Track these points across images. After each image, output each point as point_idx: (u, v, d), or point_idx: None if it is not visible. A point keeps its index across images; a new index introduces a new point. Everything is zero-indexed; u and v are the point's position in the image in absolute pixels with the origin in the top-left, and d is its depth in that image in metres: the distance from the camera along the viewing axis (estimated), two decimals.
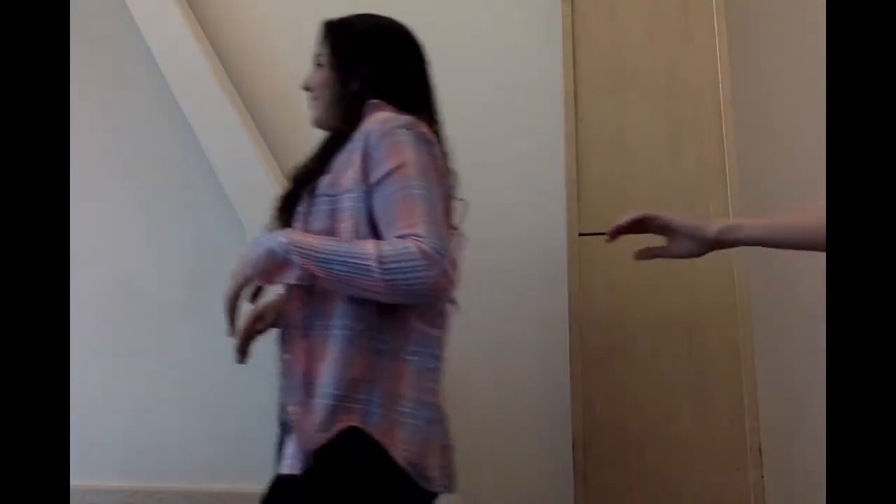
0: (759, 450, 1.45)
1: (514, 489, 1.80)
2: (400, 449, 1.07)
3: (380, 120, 1.17)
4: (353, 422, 1.06)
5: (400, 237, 1.07)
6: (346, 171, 1.16)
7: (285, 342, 1.17)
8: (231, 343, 1.45)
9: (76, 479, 1.85)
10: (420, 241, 1.06)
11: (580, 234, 1.59)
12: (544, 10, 1.87)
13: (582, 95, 1.66)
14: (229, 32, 2.05)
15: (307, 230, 1.15)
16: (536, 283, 1.84)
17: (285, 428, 1.15)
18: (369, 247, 1.06)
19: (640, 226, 1.13)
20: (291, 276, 1.09)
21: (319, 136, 2.02)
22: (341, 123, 1.26)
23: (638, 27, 1.66)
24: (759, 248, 1.10)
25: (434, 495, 1.11)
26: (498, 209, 1.90)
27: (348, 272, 1.06)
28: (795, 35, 1.86)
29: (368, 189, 1.13)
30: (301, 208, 1.19)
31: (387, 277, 1.04)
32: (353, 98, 1.27)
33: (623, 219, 1.12)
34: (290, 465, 1.08)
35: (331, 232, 1.14)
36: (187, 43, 1.92)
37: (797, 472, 1.71)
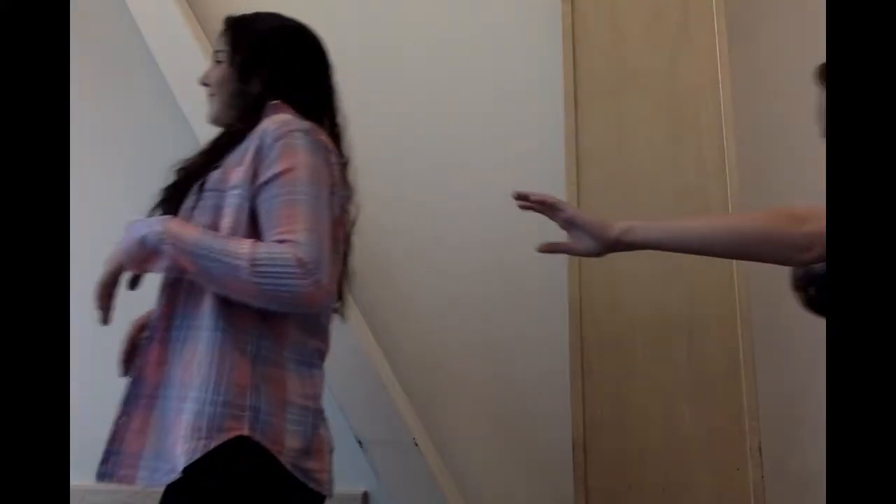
0: (759, 450, 1.45)
1: (514, 489, 1.80)
2: (289, 455, 1.06)
3: (278, 121, 1.15)
4: (242, 430, 1.02)
5: (279, 241, 1.04)
6: (235, 167, 1.14)
7: (143, 344, 1.12)
8: None
9: (76, 479, 1.84)
10: (297, 249, 1.03)
11: None
12: (544, 10, 1.87)
13: (582, 95, 1.66)
14: None
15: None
16: (536, 283, 1.84)
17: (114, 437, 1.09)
18: (244, 246, 1.03)
19: (551, 211, 1.13)
20: (161, 267, 1.06)
21: None
22: (238, 122, 1.23)
23: (638, 27, 1.66)
24: None
25: (323, 498, 1.13)
26: (498, 209, 1.90)
27: (218, 270, 1.03)
28: (795, 35, 1.86)
29: (256, 188, 1.10)
30: (188, 203, 1.16)
31: (255, 280, 1.02)
32: (253, 98, 1.24)
33: (533, 195, 1.11)
34: (165, 475, 1.02)
35: (213, 227, 1.10)
36: (187, 43, 1.92)
37: (797, 472, 1.71)
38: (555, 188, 1.75)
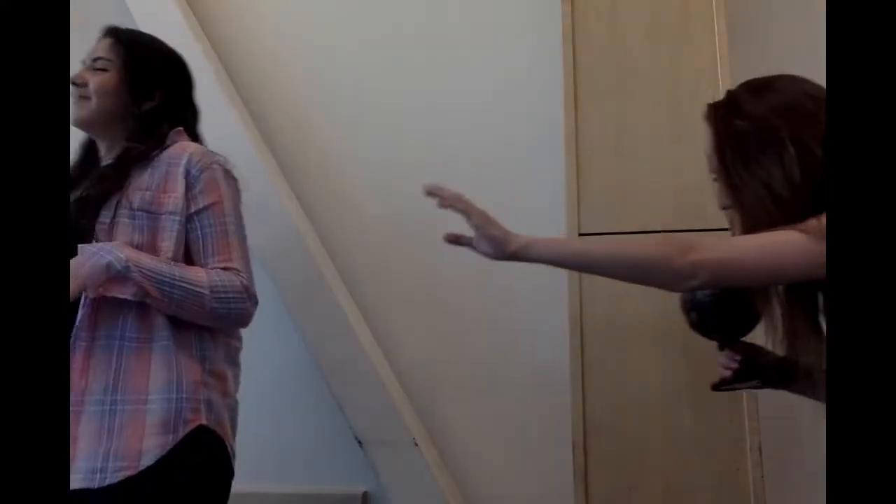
0: (759, 450, 1.45)
1: (514, 489, 1.80)
2: (229, 438, 1.26)
3: (199, 152, 1.30)
4: (200, 420, 1.19)
5: (224, 269, 1.23)
6: (167, 192, 1.25)
7: (94, 353, 1.18)
8: None
9: None
10: (241, 276, 1.23)
11: (580, 234, 1.59)
12: (544, 11, 1.87)
13: (582, 95, 1.66)
14: (229, 32, 2.05)
15: (116, 241, 1.21)
16: (537, 283, 1.83)
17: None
18: (202, 275, 1.20)
19: (462, 213, 1.17)
20: (126, 292, 1.15)
21: (320, 137, 2.03)
22: (133, 139, 1.31)
23: (638, 27, 1.66)
24: None
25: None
26: (498, 209, 1.88)
27: (182, 296, 1.18)
28: (795, 35, 1.86)
29: (188, 216, 1.25)
30: (105, 217, 1.23)
31: (214, 305, 1.20)
32: (149, 118, 1.33)
33: (447, 192, 1.17)
34: (136, 465, 1.13)
35: (151, 248, 1.22)
36: (187, 43, 1.92)
37: (797, 472, 1.71)
38: (555, 188, 1.76)
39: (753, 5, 1.88)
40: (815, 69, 1.79)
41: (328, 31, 2.05)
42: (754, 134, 1.04)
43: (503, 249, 1.13)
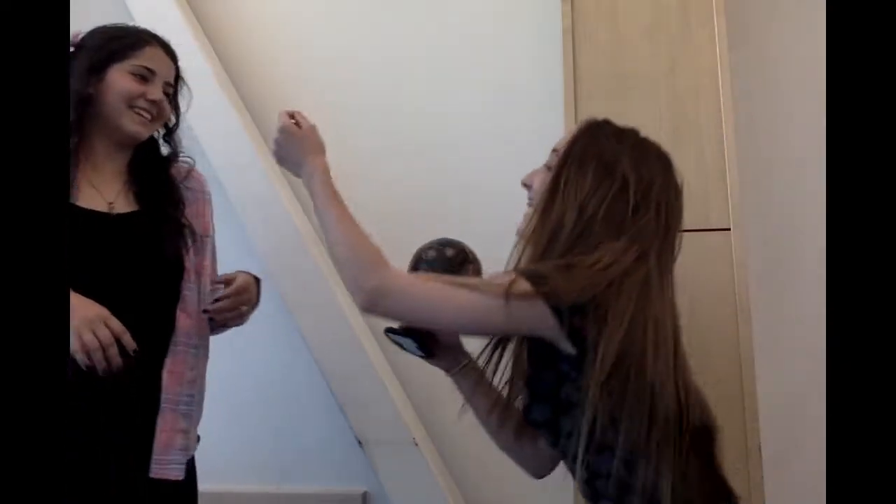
0: (759, 450, 1.45)
1: (514, 489, 1.80)
2: None
3: (204, 179, 1.42)
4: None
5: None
6: (203, 216, 1.38)
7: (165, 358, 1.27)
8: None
9: None
10: None
11: None
12: (544, 10, 1.87)
13: (582, 95, 1.66)
14: (229, 32, 2.05)
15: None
16: None
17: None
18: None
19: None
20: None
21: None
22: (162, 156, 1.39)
23: (638, 27, 1.66)
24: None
25: None
26: (497, 209, 1.90)
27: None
28: (796, 35, 1.86)
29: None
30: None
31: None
32: (170, 142, 1.40)
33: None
34: (179, 470, 1.24)
35: (202, 269, 1.35)
36: (187, 43, 1.92)
37: (797, 472, 1.71)
38: None
39: (753, 5, 1.88)
40: (815, 69, 1.80)
41: (328, 31, 2.05)
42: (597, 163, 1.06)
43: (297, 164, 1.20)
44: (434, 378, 1.92)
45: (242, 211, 1.89)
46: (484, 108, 1.93)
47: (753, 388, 1.46)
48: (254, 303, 1.32)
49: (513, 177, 1.93)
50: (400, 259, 1.92)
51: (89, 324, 1.09)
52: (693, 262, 1.54)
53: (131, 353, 1.13)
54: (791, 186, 1.81)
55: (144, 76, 1.29)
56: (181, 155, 1.39)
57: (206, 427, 1.92)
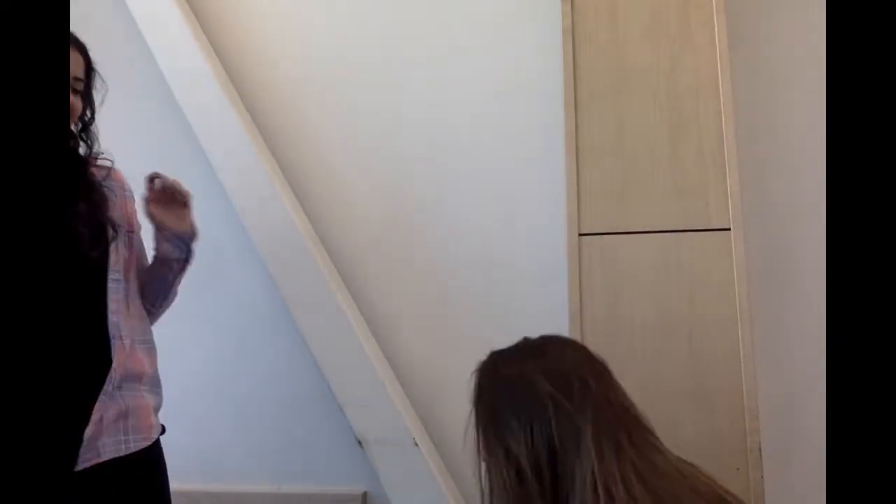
0: (759, 450, 1.45)
1: None
2: None
3: (124, 178, 1.44)
4: None
5: None
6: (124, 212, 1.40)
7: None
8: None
9: None
10: None
11: (580, 234, 1.59)
12: (544, 11, 1.87)
13: (582, 95, 1.66)
14: (229, 32, 2.05)
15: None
16: (536, 283, 1.84)
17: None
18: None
19: None
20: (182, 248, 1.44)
21: (320, 137, 2.02)
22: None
23: (638, 27, 1.66)
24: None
25: None
26: (497, 209, 1.90)
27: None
28: (796, 35, 1.86)
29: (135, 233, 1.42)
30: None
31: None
32: (86, 138, 1.37)
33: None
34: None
35: (129, 263, 1.39)
36: (187, 43, 1.92)
37: (797, 472, 1.71)
38: (555, 188, 1.76)
39: (753, 5, 1.88)
40: (815, 69, 1.80)
41: (328, 31, 2.05)
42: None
43: None
44: (434, 378, 1.93)
45: (242, 211, 1.90)
46: (484, 108, 1.93)
47: (753, 388, 1.47)
48: (185, 217, 1.41)
49: (513, 176, 1.95)
50: (400, 258, 1.93)
51: None
52: (693, 262, 1.54)
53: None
54: (791, 186, 1.81)
55: None
56: (100, 155, 1.40)
57: (207, 427, 1.93)
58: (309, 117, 2.01)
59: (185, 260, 1.45)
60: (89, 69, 1.36)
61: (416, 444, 1.74)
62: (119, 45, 2.05)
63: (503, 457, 0.93)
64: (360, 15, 2.02)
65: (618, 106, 1.64)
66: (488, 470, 0.96)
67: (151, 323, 1.46)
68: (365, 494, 1.83)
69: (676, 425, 1.50)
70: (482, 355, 1.85)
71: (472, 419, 1.01)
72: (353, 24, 2.03)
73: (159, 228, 1.40)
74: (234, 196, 1.92)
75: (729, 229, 1.53)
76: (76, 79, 1.30)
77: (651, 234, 1.57)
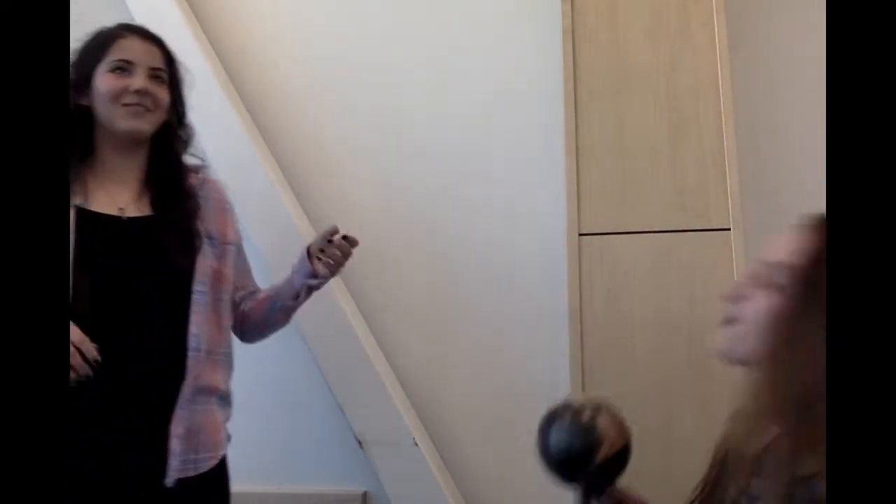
0: None
1: (514, 489, 1.80)
2: None
3: (223, 188, 1.45)
4: None
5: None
6: (226, 224, 1.42)
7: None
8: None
9: None
10: None
11: (580, 234, 1.59)
12: (544, 11, 1.87)
13: (582, 95, 1.66)
14: (229, 32, 2.05)
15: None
16: (536, 283, 1.83)
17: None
18: None
19: None
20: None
21: (320, 137, 2.02)
22: (175, 157, 1.37)
23: (638, 27, 1.66)
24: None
25: None
26: (498, 209, 1.90)
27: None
28: (796, 34, 1.86)
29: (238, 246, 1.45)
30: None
31: None
32: (183, 134, 1.38)
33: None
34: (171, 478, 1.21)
35: (220, 274, 1.36)
36: (187, 43, 1.92)
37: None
38: (555, 188, 1.76)
39: (753, 5, 1.88)
40: (815, 69, 1.79)
41: (328, 31, 2.05)
42: None
43: None
44: (434, 378, 1.93)
45: (242, 211, 1.89)
46: (484, 108, 1.93)
47: None
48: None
49: (513, 176, 1.95)
50: (400, 258, 1.93)
51: None
52: (693, 262, 1.54)
53: (93, 362, 1.11)
54: (791, 186, 1.80)
55: (123, 68, 1.26)
56: (200, 166, 1.40)
57: None
58: (309, 117, 2.01)
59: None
60: (169, 60, 1.34)
61: (416, 444, 1.74)
62: None
63: None
64: (360, 15, 2.02)
65: (618, 106, 1.64)
66: None
67: (254, 341, 1.49)
68: (365, 494, 1.83)
69: (676, 425, 1.50)
70: (482, 355, 1.86)
71: None
72: (353, 24, 2.03)
73: (312, 288, 1.41)
74: (233, 196, 1.91)
75: (729, 229, 1.53)
76: (154, 69, 1.29)
77: (651, 234, 1.57)
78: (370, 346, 1.83)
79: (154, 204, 1.29)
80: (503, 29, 1.96)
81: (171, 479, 1.19)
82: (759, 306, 0.86)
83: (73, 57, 1.26)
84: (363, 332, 1.84)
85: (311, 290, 1.40)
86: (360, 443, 1.78)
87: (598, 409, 1.07)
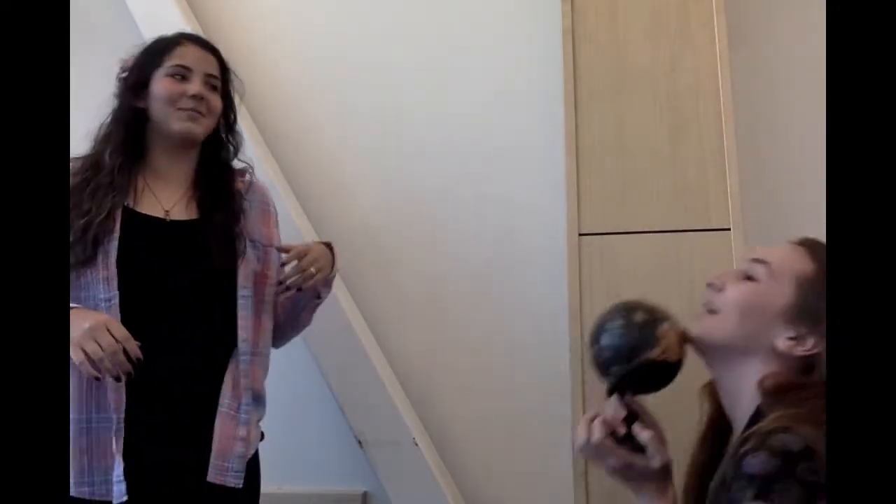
0: None
1: (514, 489, 1.80)
2: None
3: (267, 191, 1.45)
4: None
5: None
6: (268, 227, 1.43)
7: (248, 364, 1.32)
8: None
9: None
10: None
11: (580, 234, 1.59)
12: (544, 10, 1.87)
13: (582, 95, 1.66)
14: (229, 32, 2.05)
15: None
16: (536, 283, 1.83)
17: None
18: None
19: None
20: (325, 293, 1.45)
21: (320, 137, 2.02)
22: (223, 164, 1.40)
23: (638, 27, 1.66)
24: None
25: None
26: (498, 209, 1.90)
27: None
28: (796, 34, 1.86)
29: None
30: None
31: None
32: (232, 140, 1.42)
33: None
34: (236, 477, 1.24)
35: (263, 278, 1.38)
36: None
37: None
38: (555, 188, 1.76)
39: (753, 5, 1.88)
40: (815, 69, 1.79)
41: (328, 31, 2.05)
42: None
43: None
44: (434, 378, 1.93)
45: None
46: (484, 108, 1.93)
47: None
48: (324, 264, 1.33)
49: (513, 176, 1.95)
50: (400, 258, 1.93)
51: (91, 332, 1.09)
52: (693, 262, 1.54)
53: (135, 360, 1.13)
54: (791, 186, 1.80)
55: (181, 74, 1.31)
56: (246, 171, 1.42)
57: None
58: (309, 117, 2.01)
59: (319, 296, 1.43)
60: (224, 68, 1.39)
61: (416, 444, 1.74)
62: (119, 44, 2.04)
63: None
64: (360, 15, 2.03)
65: (618, 106, 1.64)
66: None
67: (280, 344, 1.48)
68: (365, 494, 1.83)
69: (676, 425, 1.50)
70: (482, 355, 1.86)
71: None
72: (353, 24, 2.03)
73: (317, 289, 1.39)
74: None
75: (729, 229, 1.53)
76: (209, 76, 1.34)
77: (651, 234, 1.57)
78: (370, 346, 1.83)
79: (200, 207, 1.32)
80: (503, 29, 1.96)
81: (236, 480, 1.24)
82: (733, 294, 1.00)
83: (132, 61, 1.35)
84: (363, 332, 1.84)
85: (328, 283, 1.41)
86: (360, 443, 1.78)
87: (669, 316, 1.06)
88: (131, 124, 1.31)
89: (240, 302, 1.29)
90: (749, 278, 1.01)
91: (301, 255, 1.28)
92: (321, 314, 1.83)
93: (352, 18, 2.03)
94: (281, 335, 1.47)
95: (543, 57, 1.87)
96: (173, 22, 1.94)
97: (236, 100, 1.42)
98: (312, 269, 1.28)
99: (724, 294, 1.01)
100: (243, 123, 1.92)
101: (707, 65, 1.61)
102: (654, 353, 1.01)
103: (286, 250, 1.31)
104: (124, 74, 1.35)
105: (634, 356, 1.01)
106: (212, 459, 1.22)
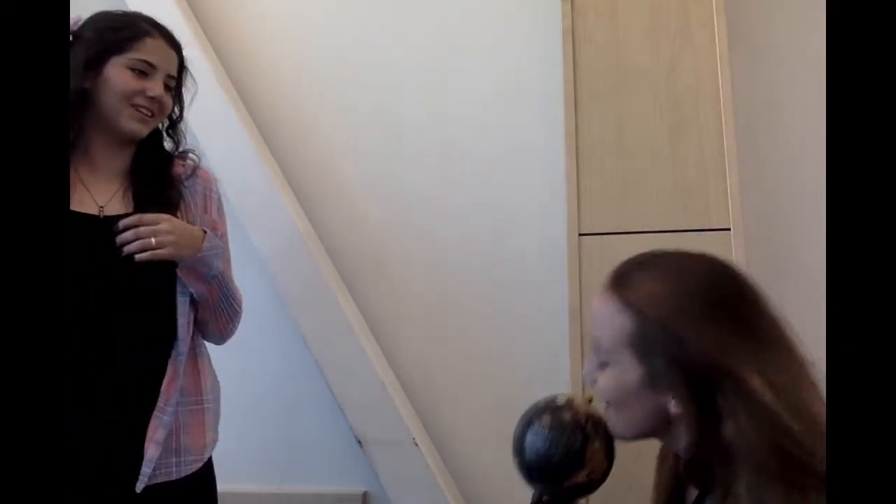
0: None
1: (514, 489, 1.80)
2: None
3: (211, 177, 1.40)
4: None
5: None
6: (209, 213, 1.38)
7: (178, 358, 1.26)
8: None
9: None
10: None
11: (580, 234, 1.59)
12: (544, 10, 1.87)
13: (582, 95, 1.66)
14: (229, 32, 2.05)
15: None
16: (537, 284, 1.83)
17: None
18: (239, 295, 1.40)
19: None
20: (200, 280, 1.28)
21: (319, 137, 2.02)
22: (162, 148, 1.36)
23: (638, 27, 1.66)
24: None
25: None
26: (498, 209, 1.90)
27: (226, 307, 1.35)
28: (796, 35, 1.86)
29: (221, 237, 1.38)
30: None
31: (234, 326, 1.42)
32: (173, 135, 1.36)
33: None
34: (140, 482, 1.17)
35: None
36: (187, 42, 1.92)
37: None
38: (555, 188, 1.76)
39: (753, 5, 1.88)
40: (815, 69, 1.79)
41: (328, 31, 2.05)
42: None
43: None
44: (434, 378, 1.93)
45: (242, 211, 1.89)
46: (484, 108, 1.93)
47: None
48: (173, 241, 1.19)
49: (513, 176, 1.95)
50: (400, 259, 1.93)
51: None
52: None
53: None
54: (791, 186, 1.81)
55: (144, 71, 1.23)
56: (189, 152, 1.34)
57: None
58: (309, 117, 2.01)
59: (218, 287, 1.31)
60: (181, 66, 1.32)
61: (416, 444, 1.74)
62: None
63: None
64: (360, 15, 2.02)
65: (618, 106, 1.64)
66: None
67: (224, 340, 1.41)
68: (365, 494, 1.83)
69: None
70: (482, 355, 1.86)
71: None
72: (353, 24, 2.03)
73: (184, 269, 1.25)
74: (233, 196, 1.92)
75: (729, 229, 1.53)
76: (170, 76, 1.27)
77: (651, 234, 1.57)
78: (370, 346, 1.83)
79: (135, 199, 1.25)
80: (503, 29, 1.96)
81: (141, 484, 1.15)
82: (603, 389, 0.91)
83: (91, 34, 1.22)
84: (363, 332, 1.84)
85: (199, 271, 1.27)
86: (360, 443, 1.78)
87: (597, 428, 1.00)
88: (74, 105, 1.18)
89: (179, 299, 1.23)
90: (603, 363, 0.91)
91: (144, 223, 1.17)
92: (321, 314, 1.84)
93: (352, 18, 2.03)
94: (206, 332, 1.37)
95: (543, 57, 1.87)
96: (173, 22, 1.93)
97: (186, 98, 1.34)
98: (152, 240, 1.16)
99: (599, 387, 0.92)
100: (243, 123, 1.93)
101: (707, 65, 1.61)
102: (581, 477, 1.00)
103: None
104: (80, 49, 1.20)
105: (562, 479, 1.00)
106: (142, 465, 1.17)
